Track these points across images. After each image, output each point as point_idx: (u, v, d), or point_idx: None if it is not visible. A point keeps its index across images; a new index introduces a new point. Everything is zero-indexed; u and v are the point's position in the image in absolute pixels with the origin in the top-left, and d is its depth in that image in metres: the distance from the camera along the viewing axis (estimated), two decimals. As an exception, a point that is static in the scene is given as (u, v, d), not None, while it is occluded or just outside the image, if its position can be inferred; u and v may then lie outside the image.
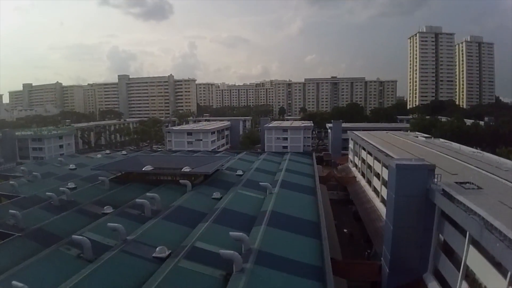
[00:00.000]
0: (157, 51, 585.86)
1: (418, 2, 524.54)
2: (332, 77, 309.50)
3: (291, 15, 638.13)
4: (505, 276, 21.45)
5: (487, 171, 38.73)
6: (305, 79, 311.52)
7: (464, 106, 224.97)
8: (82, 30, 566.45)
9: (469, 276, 26.71)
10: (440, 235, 32.29)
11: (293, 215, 37.57)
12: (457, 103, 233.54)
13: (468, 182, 32.36)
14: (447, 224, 30.65)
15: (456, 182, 32.26)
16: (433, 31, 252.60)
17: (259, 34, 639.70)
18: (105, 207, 39.09)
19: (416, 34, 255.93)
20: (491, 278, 23.29)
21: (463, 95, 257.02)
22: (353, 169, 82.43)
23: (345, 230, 54.56)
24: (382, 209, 49.78)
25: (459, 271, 27.37)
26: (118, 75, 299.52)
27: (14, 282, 19.55)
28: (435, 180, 32.49)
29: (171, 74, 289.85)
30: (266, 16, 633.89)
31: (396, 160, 35.46)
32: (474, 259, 25.87)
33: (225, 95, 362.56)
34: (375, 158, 59.80)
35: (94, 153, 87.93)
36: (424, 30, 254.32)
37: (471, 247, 26.24)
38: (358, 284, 37.71)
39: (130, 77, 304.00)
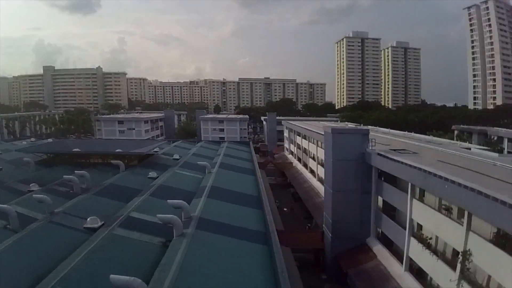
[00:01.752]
0: (84, 45, 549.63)
1: (346, 12, 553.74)
2: (265, 78, 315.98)
3: (223, 17, 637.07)
4: (459, 218, 22.47)
5: (419, 143, 41.14)
6: (239, 78, 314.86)
7: (390, 107, 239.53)
8: (5, 23, 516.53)
9: (417, 231, 27.75)
10: (379, 197, 33.48)
11: (233, 189, 36.96)
12: (382, 104, 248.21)
13: (402, 149, 33.82)
14: (385, 185, 31.82)
15: (391, 149, 33.49)
16: (360, 36, 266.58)
17: (191, 34, 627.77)
18: (30, 185, 35.55)
19: (343, 39, 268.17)
20: (442, 225, 24.17)
21: (388, 97, 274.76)
22: (289, 156, 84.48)
23: (285, 209, 55.34)
24: (319, 187, 50.99)
25: (405, 229, 28.24)
26: (43, 66, 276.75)
27: None
28: (370, 144, 33.87)
29: (99, 66, 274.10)
30: (198, 16, 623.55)
31: (332, 127, 36.63)
32: (419, 213, 26.88)
33: (158, 91, 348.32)
34: (310, 141, 61.40)
35: (19, 141, 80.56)
36: (351, 35, 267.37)
37: (414, 201, 27.34)
38: (302, 256, 37.86)
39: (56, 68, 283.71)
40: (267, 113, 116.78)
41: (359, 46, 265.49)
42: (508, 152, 63.79)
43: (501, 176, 22.14)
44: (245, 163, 55.55)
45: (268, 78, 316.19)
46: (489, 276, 19.87)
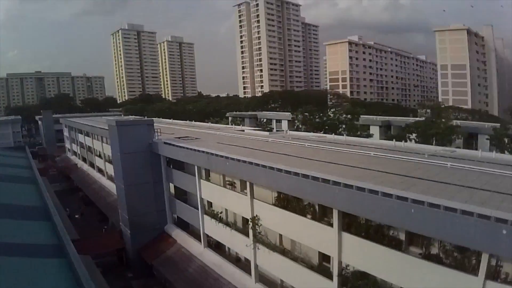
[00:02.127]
0: None
1: (120, 3, 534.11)
2: (37, 72, 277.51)
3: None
4: (243, 190, 25.91)
5: (200, 130, 45.39)
6: (7, 74, 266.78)
7: (170, 99, 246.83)
8: None
9: (208, 209, 30.76)
10: (170, 184, 35.54)
11: (12, 203, 32.89)
12: (163, 96, 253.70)
13: (186, 136, 36.72)
14: (175, 172, 34.15)
15: (176, 137, 35.89)
16: (135, 29, 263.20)
17: None
18: None
19: (118, 31, 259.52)
20: (229, 199, 27.60)
21: (168, 89, 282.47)
22: (73, 157, 78.69)
23: (76, 216, 51.84)
24: (110, 185, 49.68)
25: (197, 209, 30.82)
26: None
27: None
28: (156, 134, 35.43)
29: None
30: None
31: (116, 120, 36.56)
32: (208, 191, 29.88)
33: None
34: (95, 138, 58.71)
35: None
36: (126, 27, 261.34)
37: (202, 182, 30.23)
38: (104, 260, 36.61)
39: None
40: (41, 111, 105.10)
41: (135, 38, 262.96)
42: (277, 131, 76.49)
43: (273, 149, 27.19)
44: (22, 172, 49.87)
45: (40, 72, 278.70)
46: (280, 235, 23.69)
